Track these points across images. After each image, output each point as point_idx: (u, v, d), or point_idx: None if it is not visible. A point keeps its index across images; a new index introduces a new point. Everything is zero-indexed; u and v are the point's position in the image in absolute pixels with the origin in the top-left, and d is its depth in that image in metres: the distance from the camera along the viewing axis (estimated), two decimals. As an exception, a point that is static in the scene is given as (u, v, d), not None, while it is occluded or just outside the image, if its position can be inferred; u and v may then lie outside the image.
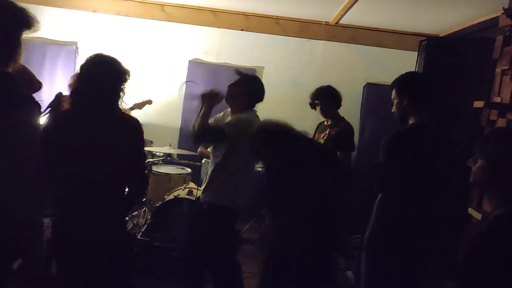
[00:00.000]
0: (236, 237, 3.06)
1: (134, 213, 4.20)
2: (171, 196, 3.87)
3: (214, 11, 5.42)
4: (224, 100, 2.91)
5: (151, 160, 4.46)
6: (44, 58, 5.41)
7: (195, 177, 4.77)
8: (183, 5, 5.35)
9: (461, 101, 3.32)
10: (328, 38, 5.48)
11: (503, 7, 3.08)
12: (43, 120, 3.40)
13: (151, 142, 4.98)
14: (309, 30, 5.47)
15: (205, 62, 5.56)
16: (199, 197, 3.05)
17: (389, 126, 2.53)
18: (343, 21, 5.20)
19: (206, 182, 2.94)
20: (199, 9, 5.40)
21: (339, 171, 2.34)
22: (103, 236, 2.04)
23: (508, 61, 3.01)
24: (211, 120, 2.96)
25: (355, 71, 5.52)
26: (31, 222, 1.85)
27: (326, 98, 3.74)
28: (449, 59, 3.45)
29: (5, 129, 1.79)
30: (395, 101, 2.44)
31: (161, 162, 4.83)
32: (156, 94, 5.38)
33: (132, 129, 2.10)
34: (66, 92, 3.71)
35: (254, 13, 5.40)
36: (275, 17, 5.42)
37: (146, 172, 2.30)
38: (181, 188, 4.03)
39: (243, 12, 5.40)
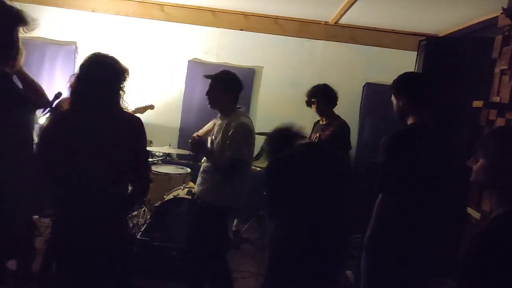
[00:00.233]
0: (226, 234, 3.07)
1: (133, 213, 4.20)
2: (171, 196, 3.87)
3: (213, 11, 5.42)
4: (210, 107, 2.96)
5: (150, 160, 4.46)
6: (44, 58, 5.40)
7: (195, 177, 4.76)
8: (183, 5, 5.35)
9: (460, 100, 3.32)
10: (327, 38, 5.48)
11: (502, 7, 3.08)
12: (42, 120, 3.41)
13: (151, 142, 4.98)
14: (309, 30, 5.47)
15: (205, 62, 5.55)
16: (194, 193, 3.08)
17: (389, 126, 2.53)
18: (343, 21, 5.20)
19: (200, 176, 2.99)
20: (199, 9, 5.40)
21: (341, 171, 2.34)
22: (105, 235, 2.04)
23: (507, 60, 3.01)
24: (210, 123, 3.00)
25: (354, 71, 5.52)
26: (27, 222, 1.85)
27: (321, 97, 3.76)
28: (448, 59, 3.45)
29: (3, 128, 1.79)
30: (395, 101, 2.45)
31: (160, 162, 4.84)
32: (155, 94, 5.39)
33: (133, 127, 2.10)
34: (65, 92, 3.72)
35: (253, 13, 5.40)
36: (274, 17, 5.43)
37: (149, 169, 2.29)
38: (181, 188, 4.03)
39: (243, 12, 5.40)
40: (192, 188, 4.00)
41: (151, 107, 4.62)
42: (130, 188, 2.20)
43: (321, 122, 3.85)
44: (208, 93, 2.95)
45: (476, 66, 3.39)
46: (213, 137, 2.97)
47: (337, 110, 3.90)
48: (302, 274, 2.21)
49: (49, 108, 3.42)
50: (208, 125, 3.24)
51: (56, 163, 2.02)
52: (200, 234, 2.92)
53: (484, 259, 1.34)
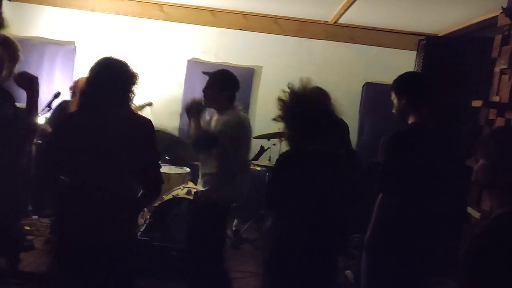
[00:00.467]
0: (224, 231, 3.08)
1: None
2: (170, 196, 3.87)
3: (212, 11, 5.42)
4: (204, 105, 2.96)
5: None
6: (43, 58, 5.39)
7: (194, 176, 4.76)
8: (182, 4, 5.34)
9: (460, 100, 3.32)
10: (327, 38, 5.48)
11: (502, 7, 3.08)
12: (41, 119, 3.41)
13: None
14: (308, 30, 5.47)
15: (204, 62, 5.55)
16: (197, 191, 3.10)
17: (388, 126, 2.53)
18: (342, 20, 5.20)
19: (200, 178, 3.00)
20: (198, 8, 5.39)
21: (343, 171, 2.33)
22: (112, 237, 2.03)
23: (506, 60, 3.01)
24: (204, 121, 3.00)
25: (353, 70, 5.52)
26: (17, 220, 1.85)
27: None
28: (448, 59, 3.46)
29: None
30: (395, 101, 2.45)
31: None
32: (155, 94, 5.38)
33: (143, 129, 2.10)
34: (65, 93, 3.72)
35: (252, 13, 5.39)
36: (273, 17, 5.42)
37: (160, 171, 2.29)
38: (180, 188, 4.03)
39: (242, 12, 5.40)
40: (192, 188, 4.00)
41: (149, 104, 4.61)
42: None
43: None
44: (204, 91, 2.96)
45: (475, 65, 3.39)
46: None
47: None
48: (298, 272, 2.20)
49: (47, 108, 3.42)
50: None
51: (64, 164, 2.01)
52: (199, 233, 2.92)
53: (484, 259, 1.34)
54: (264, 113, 5.40)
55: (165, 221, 3.71)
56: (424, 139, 2.30)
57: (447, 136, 2.45)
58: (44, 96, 3.69)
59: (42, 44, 5.35)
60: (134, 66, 2.22)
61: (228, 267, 3.11)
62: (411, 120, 2.37)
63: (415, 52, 3.66)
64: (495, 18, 3.36)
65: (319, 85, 3.81)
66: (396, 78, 2.48)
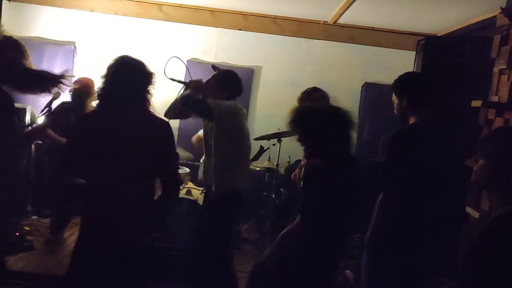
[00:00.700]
0: (231, 224, 3.10)
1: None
2: (170, 196, 3.87)
3: (212, 11, 5.42)
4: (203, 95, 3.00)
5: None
6: (42, 58, 5.37)
7: (194, 177, 4.77)
8: (181, 4, 5.34)
9: (459, 100, 3.32)
10: (326, 38, 5.48)
11: (501, 6, 3.09)
12: (41, 119, 3.41)
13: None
14: (307, 30, 5.47)
15: (204, 62, 5.55)
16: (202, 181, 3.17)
17: (388, 126, 2.53)
18: (341, 20, 5.20)
19: (204, 166, 3.06)
20: (197, 8, 5.39)
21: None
22: (128, 238, 2.02)
23: (505, 60, 3.01)
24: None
25: (353, 70, 5.52)
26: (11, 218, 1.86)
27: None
28: (447, 59, 3.46)
29: None
30: (396, 101, 2.45)
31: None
32: (154, 94, 5.37)
33: (161, 130, 2.09)
34: (64, 93, 3.71)
35: (252, 13, 5.40)
36: (273, 17, 5.43)
37: (179, 172, 2.28)
38: (180, 188, 4.02)
39: (241, 12, 5.40)
40: (192, 188, 4.00)
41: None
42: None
43: None
44: (207, 82, 3.05)
45: (474, 65, 3.40)
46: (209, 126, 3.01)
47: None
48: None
49: (48, 109, 3.42)
50: None
51: (82, 164, 2.01)
52: (211, 227, 2.92)
53: (484, 259, 1.34)
54: (263, 113, 5.41)
55: (166, 221, 3.72)
56: (424, 139, 2.31)
57: (447, 136, 2.45)
58: (44, 96, 3.69)
59: (41, 44, 5.35)
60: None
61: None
62: (412, 120, 2.38)
63: (414, 52, 3.66)
64: (494, 18, 3.37)
65: (318, 85, 3.86)
66: (397, 79, 2.48)
